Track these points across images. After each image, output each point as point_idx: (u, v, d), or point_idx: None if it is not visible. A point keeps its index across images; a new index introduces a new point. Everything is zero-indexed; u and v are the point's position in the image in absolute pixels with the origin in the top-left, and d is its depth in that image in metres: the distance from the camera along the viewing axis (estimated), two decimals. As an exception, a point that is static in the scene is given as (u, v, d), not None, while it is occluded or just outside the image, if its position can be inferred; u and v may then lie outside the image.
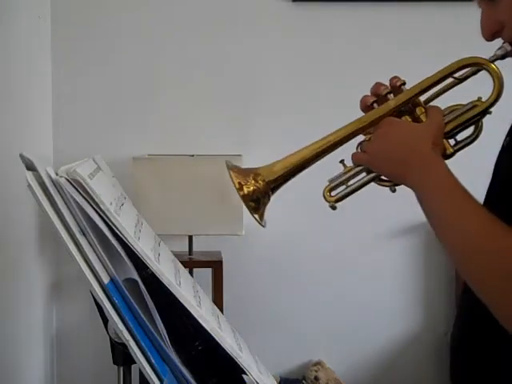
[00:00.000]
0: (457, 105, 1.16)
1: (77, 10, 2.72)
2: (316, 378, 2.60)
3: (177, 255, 1.24)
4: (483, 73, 1.12)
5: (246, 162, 2.58)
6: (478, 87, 1.18)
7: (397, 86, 1.15)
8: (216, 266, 2.51)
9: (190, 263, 2.51)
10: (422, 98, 1.16)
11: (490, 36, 1.08)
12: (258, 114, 2.76)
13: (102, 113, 2.76)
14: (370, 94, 1.17)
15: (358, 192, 1.14)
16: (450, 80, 1.15)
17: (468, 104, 1.14)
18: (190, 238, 2.58)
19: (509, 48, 1.08)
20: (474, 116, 1.13)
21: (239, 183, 1.12)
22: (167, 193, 2.46)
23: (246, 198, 1.11)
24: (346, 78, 2.75)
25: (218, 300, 2.44)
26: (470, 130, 1.15)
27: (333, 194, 1.17)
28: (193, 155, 2.59)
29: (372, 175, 1.13)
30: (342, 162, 1.17)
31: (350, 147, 1.16)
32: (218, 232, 2.49)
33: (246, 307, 2.73)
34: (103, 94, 2.75)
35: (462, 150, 1.15)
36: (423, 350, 2.82)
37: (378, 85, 1.17)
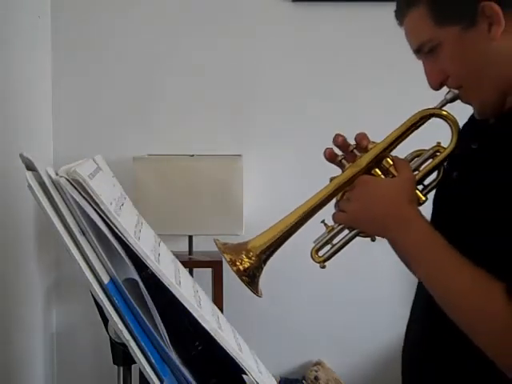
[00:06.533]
0: (418, 150, 1.22)
1: (77, 9, 2.72)
2: (316, 378, 2.60)
3: (177, 255, 1.24)
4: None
5: (246, 162, 2.58)
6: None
7: (364, 147, 1.19)
8: (216, 266, 2.51)
9: (190, 263, 2.51)
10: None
11: (437, 86, 1.16)
12: (257, 113, 2.76)
13: (102, 113, 2.76)
14: (332, 144, 1.21)
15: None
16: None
17: (429, 150, 1.21)
18: (190, 237, 2.58)
19: (456, 92, 1.15)
20: (440, 163, 1.20)
21: (231, 260, 1.15)
22: (167, 193, 2.46)
23: (241, 274, 1.14)
24: (346, 77, 2.75)
25: (217, 300, 2.44)
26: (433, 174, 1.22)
27: (320, 253, 1.23)
28: (193, 155, 2.59)
29: (355, 231, 1.20)
30: (323, 222, 1.23)
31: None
32: (217, 232, 2.48)
33: (245, 307, 2.72)
34: (103, 94, 2.75)
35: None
36: (423, 350, 2.82)
37: (341, 139, 1.20)
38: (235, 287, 2.69)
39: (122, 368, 1.05)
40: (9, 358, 2.23)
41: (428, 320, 1.20)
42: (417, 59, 1.23)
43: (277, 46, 2.75)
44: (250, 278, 1.14)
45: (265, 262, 1.17)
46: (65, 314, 2.76)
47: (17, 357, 2.32)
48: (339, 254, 1.25)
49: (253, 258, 1.15)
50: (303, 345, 2.79)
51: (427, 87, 1.20)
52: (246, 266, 1.14)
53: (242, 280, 1.13)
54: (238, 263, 1.14)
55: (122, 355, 1.02)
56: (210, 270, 2.56)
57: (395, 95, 2.70)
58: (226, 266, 2.57)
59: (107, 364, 1.12)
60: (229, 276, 2.54)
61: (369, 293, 2.78)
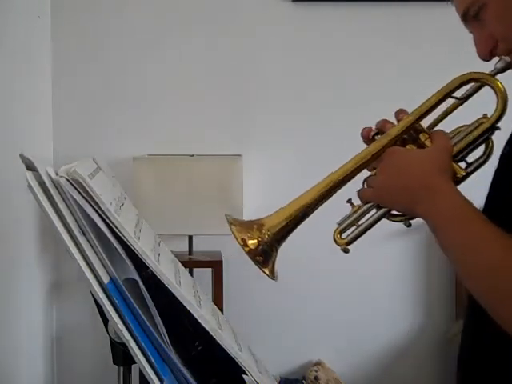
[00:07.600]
0: (463, 126, 1.09)
1: (77, 9, 2.72)
2: (316, 378, 2.60)
3: (177, 255, 1.24)
4: (486, 90, 1.07)
5: (246, 162, 2.59)
6: (484, 106, 1.11)
7: (400, 119, 1.08)
8: (216, 266, 2.51)
9: (190, 263, 2.51)
10: (425, 125, 1.09)
11: (487, 55, 1.05)
12: (257, 113, 2.76)
13: (102, 113, 2.76)
14: (374, 128, 1.10)
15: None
16: (451, 101, 1.09)
17: (474, 123, 1.08)
18: (190, 238, 2.58)
19: (508, 60, 1.04)
20: (482, 134, 1.07)
21: (242, 239, 1.07)
22: (167, 193, 2.46)
23: (252, 253, 1.06)
24: (345, 78, 2.75)
25: (217, 300, 2.44)
26: (480, 150, 1.09)
27: (343, 236, 1.11)
28: (193, 155, 2.59)
29: (382, 211, 1.07)
30: (349, 201, 1.11)
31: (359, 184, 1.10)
32: (217, 232, 2.48)
33: (245, 307, 2.73)
34: (103, 94, 2.75)
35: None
36: (423, 350, 2.82)
37: (384, 122, 1.10)
38: (235, 287, 2.70)
39: (121, 368, 1.05)
40: (9, 358, 2.23)
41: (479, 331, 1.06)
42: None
43: (277, 46, 2.75)
44: (264, 257, 1.06)
45: (279, 242, 1.08)
46: (65, 313, 2.76)
47: (17, 356, 2.32)
48: (343, 254, 1.19)
49: (266, 236, 1.07)
50: (303, 345, 2.79)
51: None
52: (259, 246, 1.06)
53: (256, 261, 1.05)
54: (248, 242, 1.06)
55: (122, 355, 1.01)
56: (210, 270, 2.56)
57: (395, 95, 2.70)
58: (225, 266, 2.59)
59: (107, 364, 1.12)
60: (229, 276, 2.55)
61: (369, 293, 2.78)
